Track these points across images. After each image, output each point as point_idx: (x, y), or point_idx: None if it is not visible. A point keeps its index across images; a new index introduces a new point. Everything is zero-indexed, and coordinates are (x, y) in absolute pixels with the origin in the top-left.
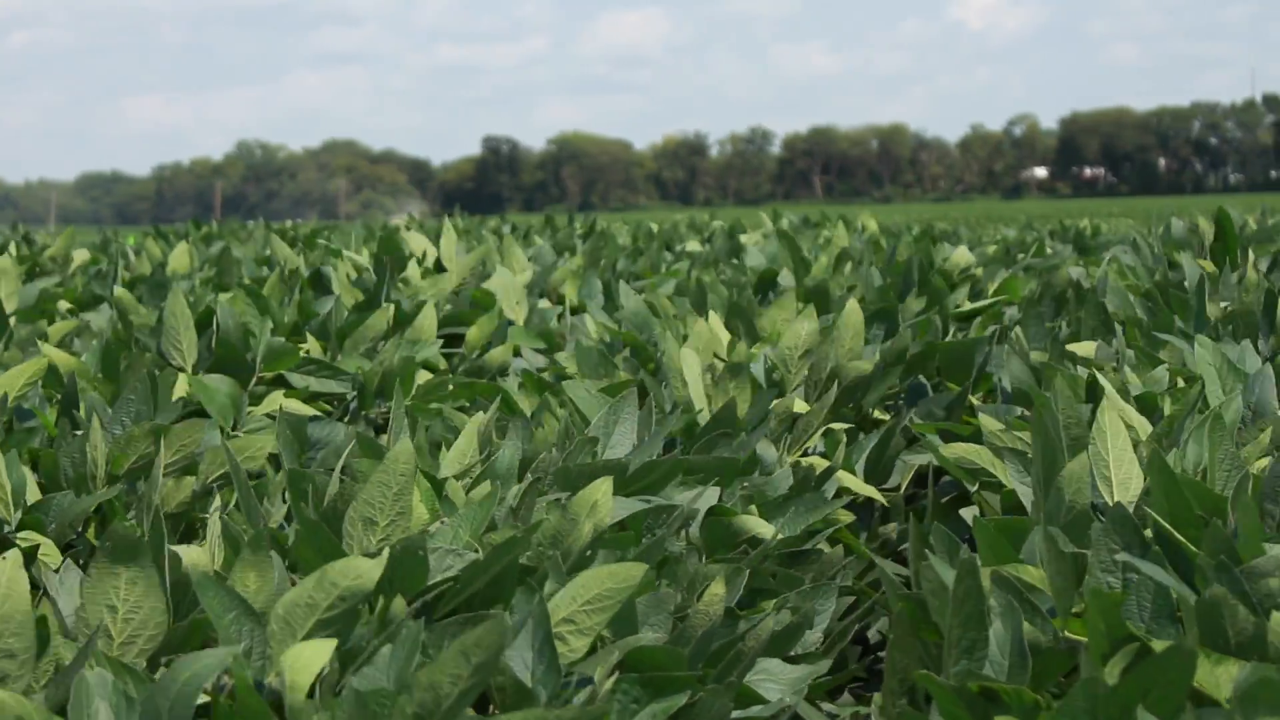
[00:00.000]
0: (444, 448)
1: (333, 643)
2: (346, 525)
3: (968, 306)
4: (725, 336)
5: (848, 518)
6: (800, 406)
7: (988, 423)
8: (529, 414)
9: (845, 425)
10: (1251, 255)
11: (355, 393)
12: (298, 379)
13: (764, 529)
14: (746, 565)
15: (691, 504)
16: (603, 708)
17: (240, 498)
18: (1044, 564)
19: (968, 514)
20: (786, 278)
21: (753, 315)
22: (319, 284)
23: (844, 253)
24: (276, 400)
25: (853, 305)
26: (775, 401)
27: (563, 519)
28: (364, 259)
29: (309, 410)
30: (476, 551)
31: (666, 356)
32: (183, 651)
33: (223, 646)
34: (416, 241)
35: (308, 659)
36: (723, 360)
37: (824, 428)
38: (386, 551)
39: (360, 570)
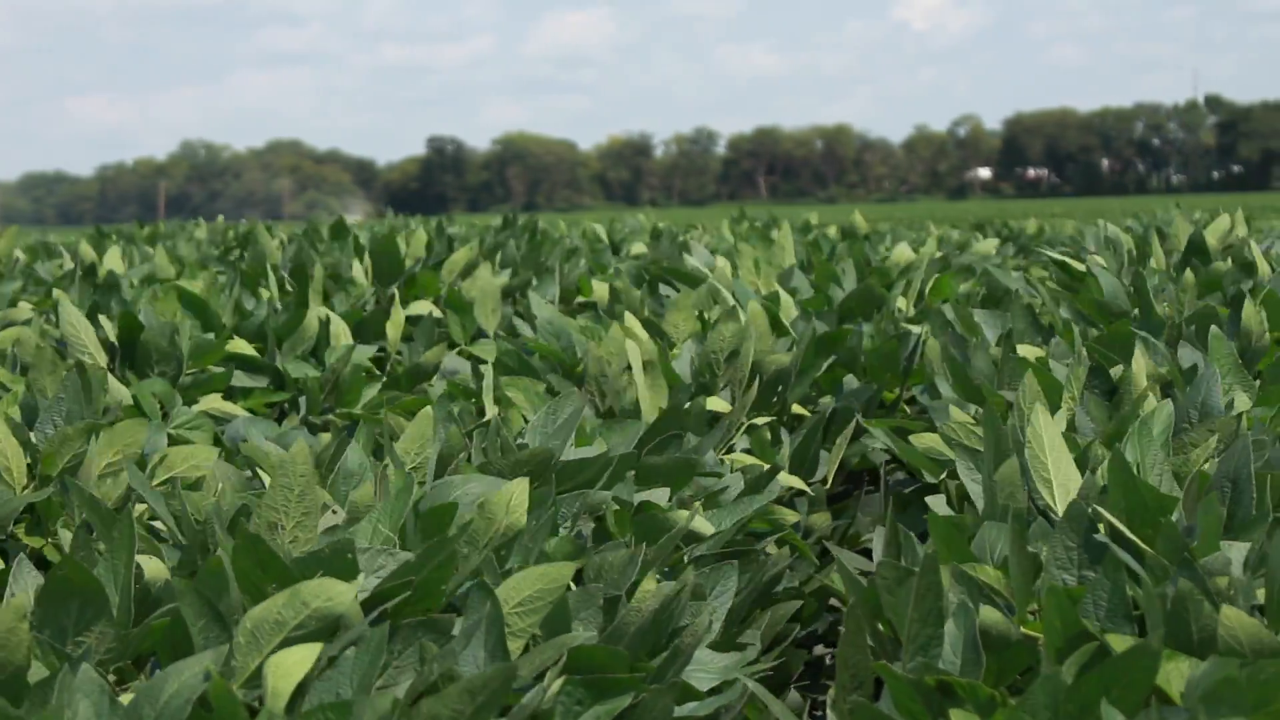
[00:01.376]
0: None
1: (317, 648)
2: (251, 529)
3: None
4: (646, 338)
5: (793, 516)
6: (722, 405)
7: (956, 415)
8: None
9: (766, 420)
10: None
11: (297, 394)
12: (224, 375)
13: (702, 526)
14: (664, 560)
15: (606, 494)
16: (547, 709)
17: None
18: (1008, 561)
19: (934, 502)
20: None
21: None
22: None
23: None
24: (211, 399)
25: (755, 305)
26: (700, 400)
27: (480, 519)
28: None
29: (240, 411)
30: (397, 547)
31: (592, 358)
32: (129, 658)
33: (197, 654)
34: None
35: (290, 667)
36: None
37: (748, 425)
38: (360, 578)
39: (333, 592)
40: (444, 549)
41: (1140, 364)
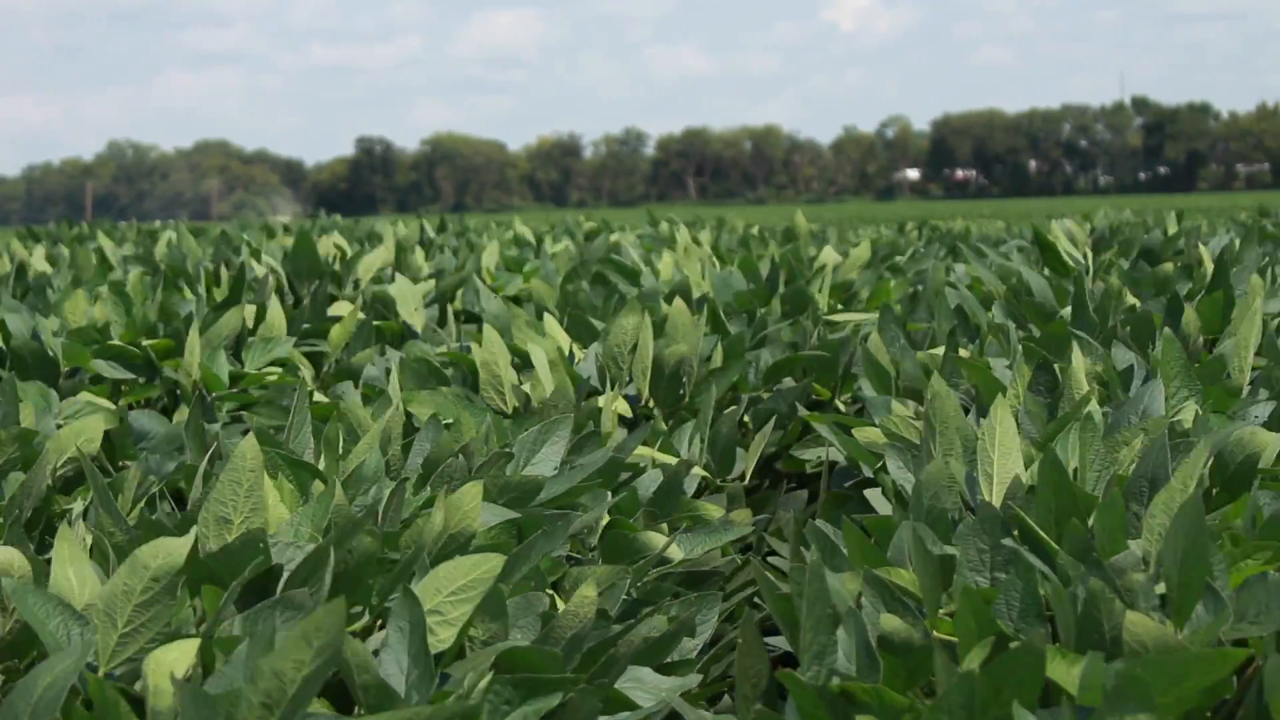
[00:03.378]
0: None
1: (196, 642)
2: (200, 525)
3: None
4: (564, 339)
5: (716, 511)
6: (623, 408)
7: (898, 409)
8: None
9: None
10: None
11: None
12: (105, 370)
13: (672, 550)
14: (633, 575)
15: (590, 516)
16: (474, 706)
17: (99, 500)
18: (915, 563)
19: (873, 496)
20: (649, 280)
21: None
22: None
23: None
24: (86, 395)
25: (679, 303)
26: (603, 397)
27: (429, 522)
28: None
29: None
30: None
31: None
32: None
33: (57, 644)
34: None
35: (172, 660)
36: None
37: (659, 422)
38: (194, 530)
39: (169, 549)
40: (345, 538)
41: (1080, 364)
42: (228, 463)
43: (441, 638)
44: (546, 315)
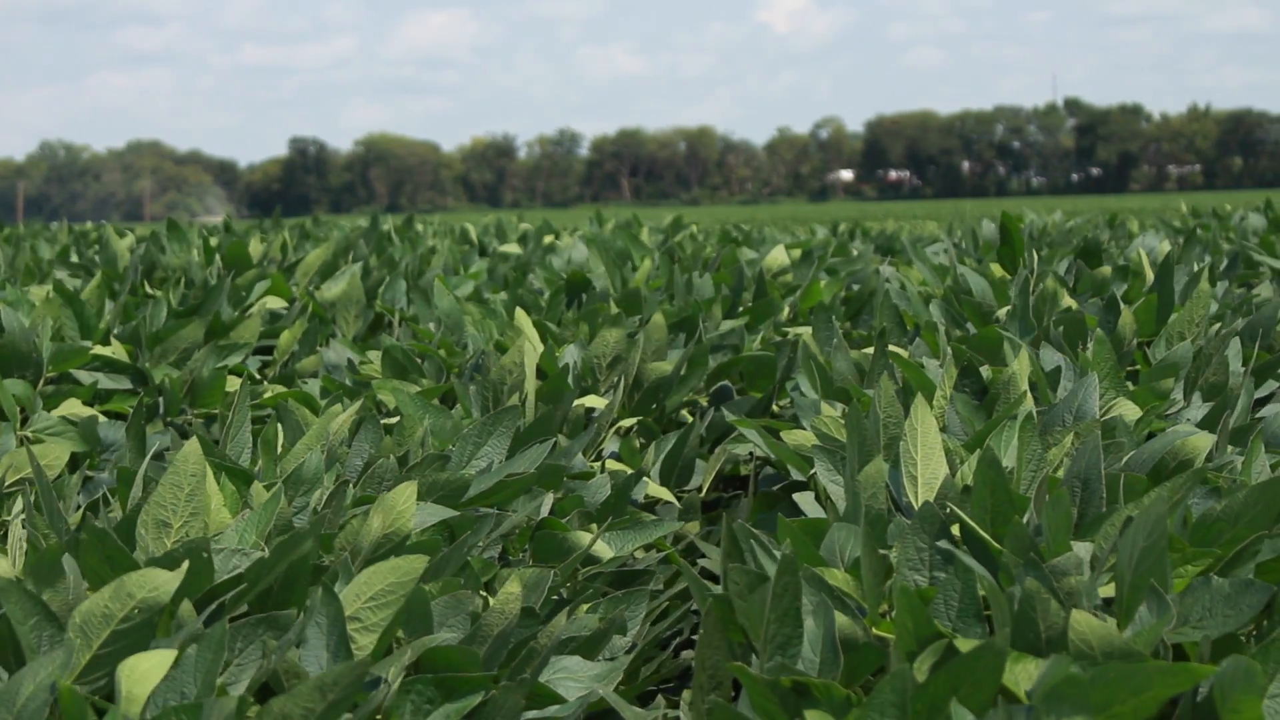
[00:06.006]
0: (277, 450)
1: (172, 654)
2: (140, 529)
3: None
4: (538, 340)
5: (670, 527)
6: (597, 402)
7: (826, 410)
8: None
9: (632, 422)
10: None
11: (159, 397)
12: (86, 377)
13: (601, 549)
14: (561, 573)
15: (519, 516)
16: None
17: (43, 503)
18: (860, 562)
19: (803, 500)
20: (598, 280)
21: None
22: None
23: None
24: (71, 404)
25: (658, 317)
26: (577, 402)
27: (364, 523)
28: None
29: (99, 415)
30: (263, 551)
31: (488, 357)
32: None
33: (32, 653)
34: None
35: (145, 670)
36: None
37: (627, 431)
38: (186, 564)
39: (158, 582)
40: (293, 547)
41: (1025, 365)
42: (168, 467)
43: (362, 644)
44: (521, 315)
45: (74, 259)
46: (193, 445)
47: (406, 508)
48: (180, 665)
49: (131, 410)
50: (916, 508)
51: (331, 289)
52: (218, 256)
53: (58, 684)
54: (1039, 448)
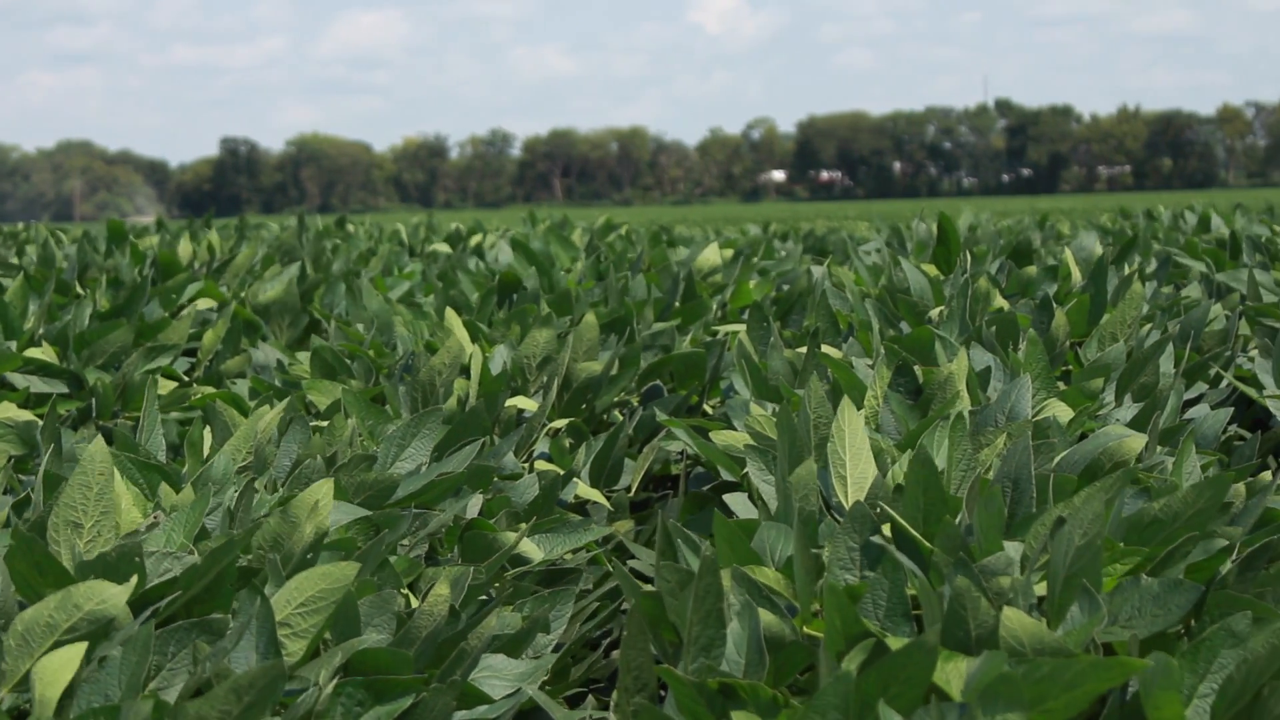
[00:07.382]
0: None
1: (81, 648)
2: (50, 531)
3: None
4: (469, 341)
5: (600, 531)
6: (527, 404)
7: (756, 410)
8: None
9: (564, 423)
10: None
11: (91, 400)
12: (20, 380)
13: (531, 550)
14: (486, 573)
15: (445, 516)
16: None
17: None
18: (792, 562)
19: (735, 500)
20: (529, 280)
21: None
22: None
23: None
24: (6, 407)
25: (590, 317)
26: (508, 403)
27: (283, 522)
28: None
29: (30, 416)
30: (192, 554)
31: (418, 358)
32: None
33: None
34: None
35: (55, 670)
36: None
37: (556, 431)
38: (135, 579)
39: (106, 594)
40: (228, 553)
41: (955, 364)
42: (76, 466)
43: (292, 650)
44: (451, 315)
45: (12, 260)
46: (99, 444)
47: (324, 504)
48: (105, 668)
49: (62, 412)
50: (847, 507)
51: (266, 292)
52: (147, 258)
53: None
54: (970, 448)
